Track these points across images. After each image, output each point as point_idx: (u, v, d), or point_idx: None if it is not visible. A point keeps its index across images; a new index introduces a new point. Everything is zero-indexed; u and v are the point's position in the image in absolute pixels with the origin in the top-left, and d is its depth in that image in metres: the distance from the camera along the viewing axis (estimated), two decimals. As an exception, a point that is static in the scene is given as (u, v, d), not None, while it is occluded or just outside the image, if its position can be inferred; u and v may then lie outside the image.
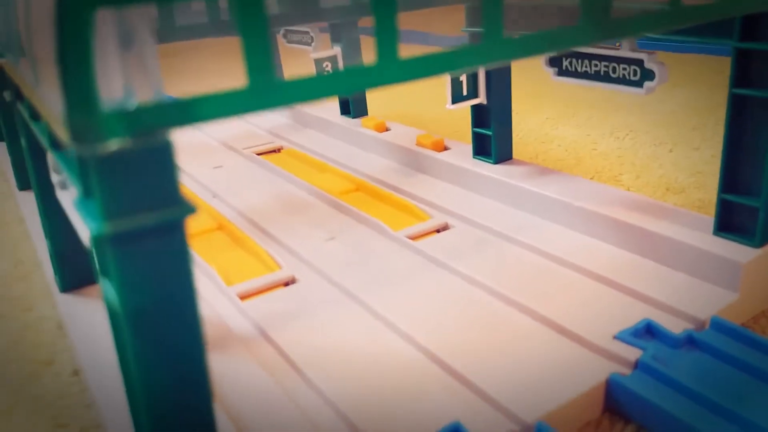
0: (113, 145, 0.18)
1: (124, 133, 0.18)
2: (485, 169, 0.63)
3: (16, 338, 0.48)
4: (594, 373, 0.37)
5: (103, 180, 0.18)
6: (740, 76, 0.43)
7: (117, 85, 0.18)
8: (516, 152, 0.80)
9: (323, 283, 0.49)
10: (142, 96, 0.19)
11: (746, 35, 0.42)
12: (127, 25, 0.18)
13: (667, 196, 0.66)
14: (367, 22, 0.79)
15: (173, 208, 0.19)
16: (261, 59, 0.19)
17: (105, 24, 0.18)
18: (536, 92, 1.10)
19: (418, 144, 0.72)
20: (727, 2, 0.34)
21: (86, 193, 0.20)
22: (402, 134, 0.77)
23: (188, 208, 0.20)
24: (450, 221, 0.59)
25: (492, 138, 0.63)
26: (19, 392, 0.41)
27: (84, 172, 0.20)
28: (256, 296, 0.48)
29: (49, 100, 0.20)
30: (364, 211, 0.61)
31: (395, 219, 0.60)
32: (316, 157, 0.79)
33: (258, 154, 0.82)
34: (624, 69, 0.49)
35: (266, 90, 0.20)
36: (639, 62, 0.47)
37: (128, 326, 0.20)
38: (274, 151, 0.84)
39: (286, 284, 0.50)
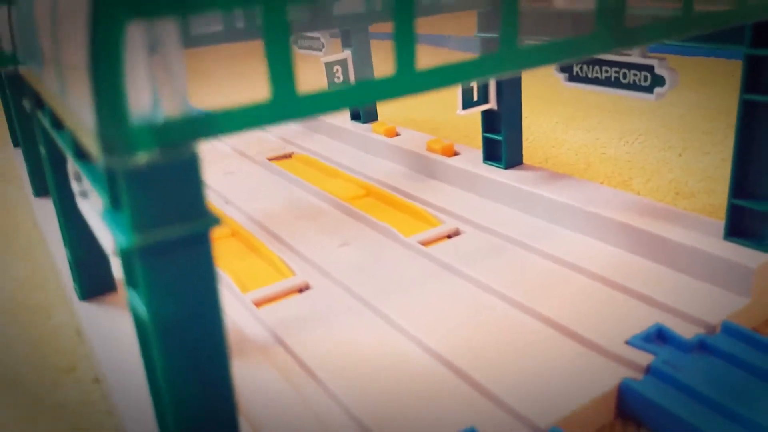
0: (142, 158, 0.19)
1: (153, 146, 0.19)
2: (496, 174, 0.63)
3: (37, 346, 0.48)
4: (606, 378, 0.38)
5: (132, 193, 0.19)
6: (751, 82, 0.43)
7: (146, 98, 0.19)
8: (526, 156, 0.80)
9: (336, 290, 0.50)
10: (169, 108, 0.19)
11: (757, 42, 0.42)
12: (154, 33, 0.19)
13: (677, 200, 0.66)
14: (378, 27, 0.79)
15: (199, 219, 0.20)
16: (283, 73, 0.20)
17: (134, 33, 0.18)
18: (546, 95, 1.10)
19: (428, 149, 0.72)
20: (739, 10, 0.34)
21: (114, 205, 0.21)
22: (412, 139, 0.77)
23: (213, 220, 0.20)
24: (461, 227, 0.59)
25: (502, 143, 0.63)
26: (41, 400, 0.42)
27: (112, 184, 0.20)
28: (271, 303, 0.48)
29: (78, 111, 0.20)
30: (375, 216, 0.61)
31: (406, 224, 0.61)
32: (326, 163, 0.80)
33: (269, 160, 0.83)
34: (635, 75, 0.49)
35: (288, 103, 0.20)
36: (649, 68, 0.48)
37: (156, 336, 0.21)
38: (285, 156, 0.85)
39: (300, 291, 0.50)
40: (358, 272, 0.52)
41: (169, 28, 0.18)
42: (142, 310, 0.21)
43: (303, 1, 0.19)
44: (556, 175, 0.61)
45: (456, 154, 0.71)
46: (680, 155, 0.79)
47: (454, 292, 0.48)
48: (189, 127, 0.19)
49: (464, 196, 0.65)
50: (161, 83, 0.19)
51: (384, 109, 1.02)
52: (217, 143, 0.93)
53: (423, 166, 0.72)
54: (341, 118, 0.89)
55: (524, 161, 0.66)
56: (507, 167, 0.64)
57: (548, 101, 1.08)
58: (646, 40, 0.29)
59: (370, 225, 0.61)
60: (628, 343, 0.40)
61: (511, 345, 0.41)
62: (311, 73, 1.03)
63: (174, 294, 0.20)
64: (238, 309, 0.47)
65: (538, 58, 0.25)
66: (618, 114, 0.97)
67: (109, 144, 0.18)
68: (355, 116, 0.88)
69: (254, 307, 0.47)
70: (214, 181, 0.77)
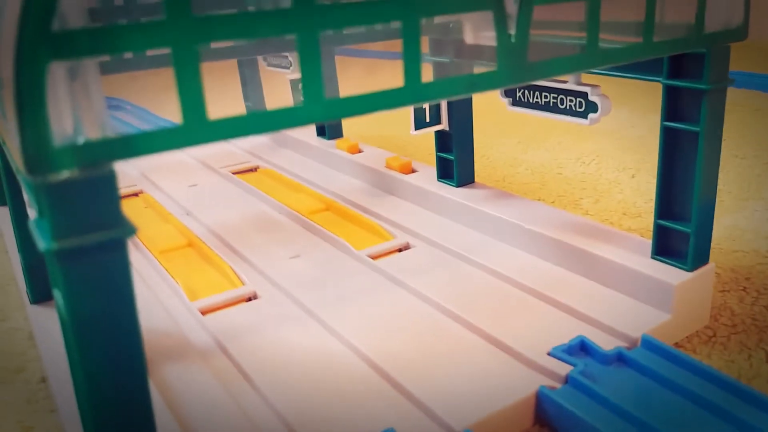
0: (63, 175, 0.21)
1: (73, 165, 0.21)
2: (447, 191, 0.66)
3: (-10, 347, 0.50)
4: (525, 386, 0.40)
5: (52, 204, 0.21)
6: (671, 111, 0.46)
7: (68, 122, 0.21)
8: (485, 175, 0.83)
9: (283, 299, 0.52)
10: (89, 130, 0.22)
11: (673, 73, 0.45)
12: (75, 67, 0.21)
13: (623, 220, 0.69)
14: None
15: (114, 229, 0.22)
16: (194, 102, 0.22)
17: (56, 69, 0.21)
18: (510, 116, 1.14)
19: (387, 166, 0.75)
20: (645, 45, 0.37)
21: (40, 214, 0.23)
22: (373, 156, 0.80)
23: (129, 230, 0.23)
24: (411, 241, 0.62)
25: (454, 162, 0.66)
26: (-11, 397, 0.44)
27: (38, 196, 0.22)
28: (217, 311, 0.50)
29: (11, 132, 0.23)
30: (330, 230, 0.64)
31: (360, 238, 0.63)
32: (290, 177, 0.82)
33: (234, 173, 0.85)
34: (571, 101, 0.52)
35: (197, 128, 0.22)
36: (584, 95, 0.51)
37: (73, 333, 0.23)
38: (250, 170, 0.87)
39: (248, 300, 0.52)
40: (306, 283, 0.54)
41: (87, 64, 0.21)
42: (62, 308, 0.23)
43: (206, 40, 0.22)
44: (503, 194, 0.64)
45: (413, 171, 0.73)
46: (633, 176, 0.82)
47: (394, 302, 0.50)
48: (106, 148, 0.22)
49: (418, 211, 0.68)
50: (82, 110, 0.21)
51: (352, 125, 1.04)
52: (183, 156, 0.95)
53: (382, 182, 0.75)
54: (307, 134, 0.91)
55: (484, 180, 0.68)
56: (459, 185, 0.67)
57: (511, 122, 1.11)
58: (549, 74, 0.32)
59: (324, 238, 0.63)
60: (550, 353, 0.43)
61: (440, 352, 0.44)
62: (279, 90, 1.05)
63: (89, 294, 0.23)
64: (185, 316, 0.49)
65: (438, 92, 0.28)
66: (579, 135, 1.00)
67: (31, 163, 0.21)
68: (321, 133, 0.90)
69: (200, 314, 0.49)
70: (178, 193, 0.79)
